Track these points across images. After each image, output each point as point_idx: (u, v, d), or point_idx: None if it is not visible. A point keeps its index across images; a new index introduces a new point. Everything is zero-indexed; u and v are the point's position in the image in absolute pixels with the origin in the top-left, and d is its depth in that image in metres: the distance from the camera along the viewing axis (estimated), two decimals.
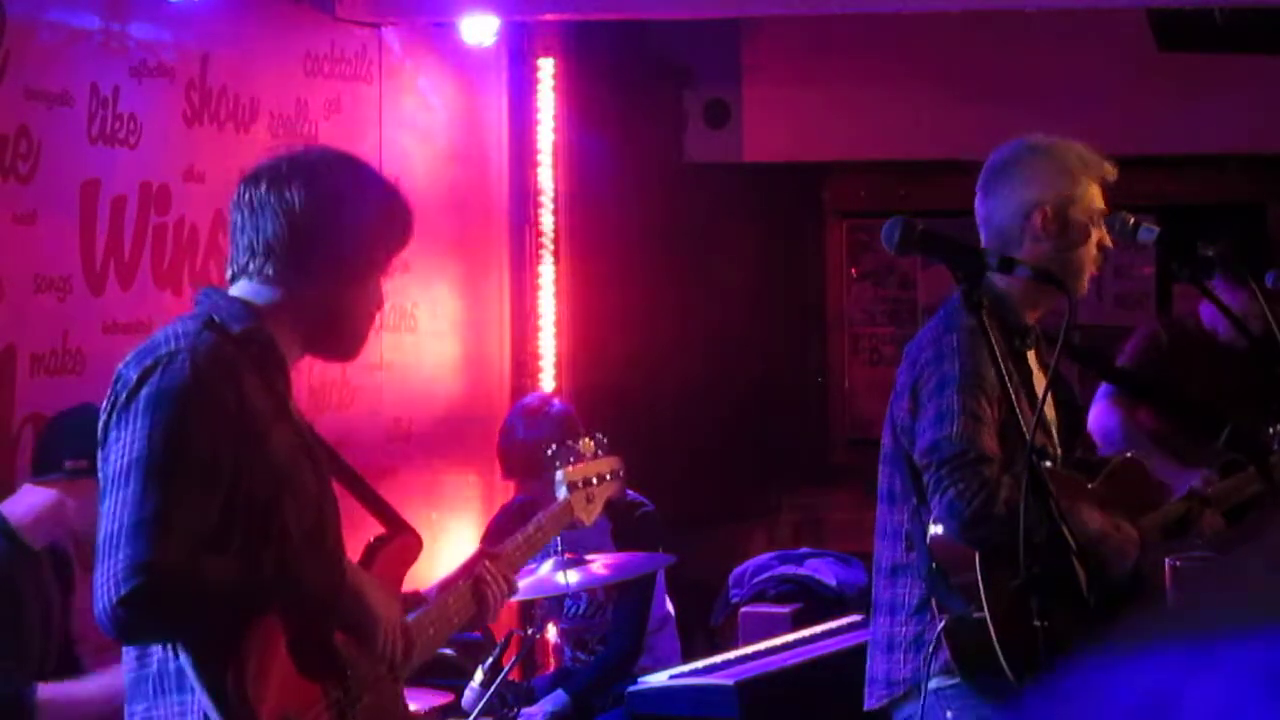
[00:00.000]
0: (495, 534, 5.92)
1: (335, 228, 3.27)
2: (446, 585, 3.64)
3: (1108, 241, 4.13)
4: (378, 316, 3.43)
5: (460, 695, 5.12)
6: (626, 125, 7.88)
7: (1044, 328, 4.14)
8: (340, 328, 3.35)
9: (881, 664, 4.08)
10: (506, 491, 7.30)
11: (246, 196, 3.28)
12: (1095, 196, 4.13)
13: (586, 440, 4.43)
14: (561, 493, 4.19)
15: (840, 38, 7.97)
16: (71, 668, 4.51)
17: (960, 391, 3.84)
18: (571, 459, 4.34)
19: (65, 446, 4.46)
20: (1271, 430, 4.51)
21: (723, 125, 8.23)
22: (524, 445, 5.96)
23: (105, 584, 3.01)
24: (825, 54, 8.10)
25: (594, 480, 4.22)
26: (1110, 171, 4.16)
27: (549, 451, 4.35)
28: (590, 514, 4.23)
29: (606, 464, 4.30)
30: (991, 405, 3.66)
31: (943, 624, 3.90)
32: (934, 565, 3.91)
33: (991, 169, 4.16)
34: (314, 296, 3.28)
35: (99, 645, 5.03)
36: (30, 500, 4.44)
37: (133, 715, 3.21)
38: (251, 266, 3.27)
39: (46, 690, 4.35)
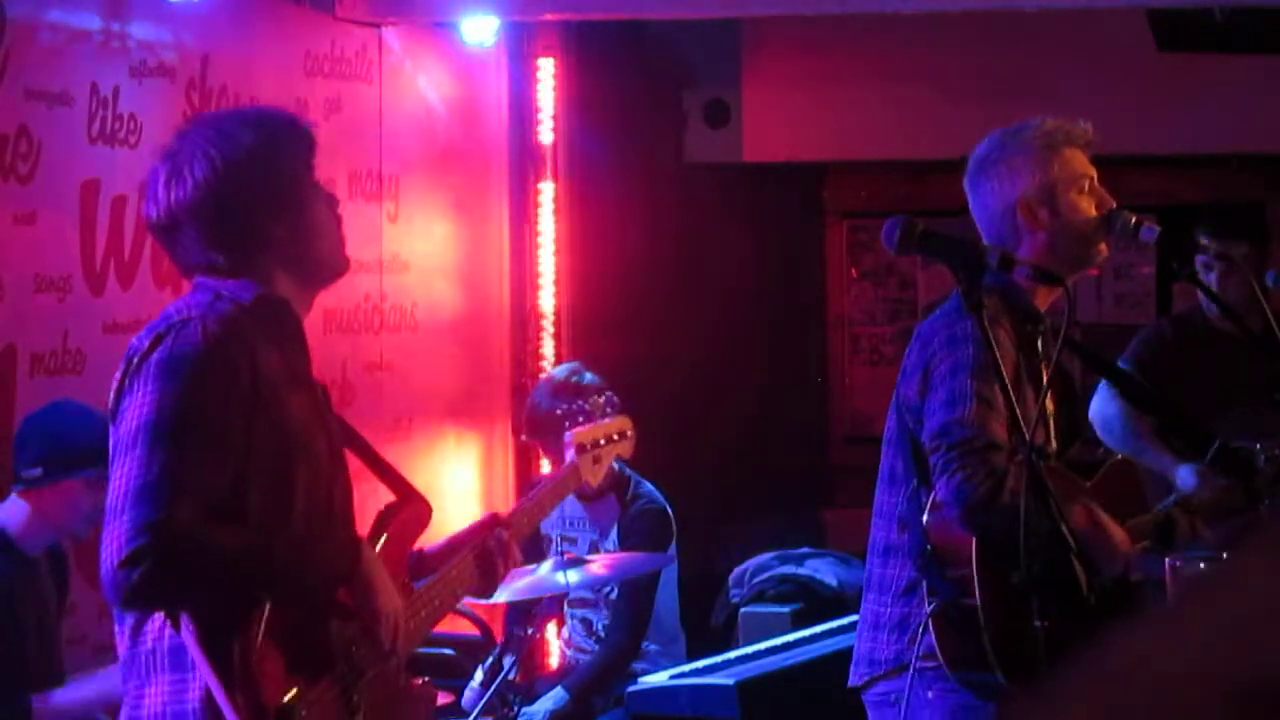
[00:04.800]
0: None
1: (250, 196, 3.25)
2: (453, 549, 3.59)
3: (1110, 202, 4.08)
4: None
5: (460, 695, 5.12)
6: (626, 125, 7.88)
7: (1050, 321, 4.12)
8: (318, 256, 3.34)
9: (866, 642, 4.06)
10: (506, 493, 7.31)
11: (163, 219, 3.25)
12: (1076, 163, 4.07)
13: (596, 399, 4.37)
14: (569, 455, 4.14)
15: (840, 38, 7.97)
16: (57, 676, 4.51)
17: (973, 376, 3.80)
18: (581, 419, 4.27)
19: (20, 456, 4.46)
20: (1258, 446, 4.47)
21: (723, 125, 8.22)
22: (548, 415, 6.00)
23: (109, 546, 2.97)
24: (825, 54, 8.09)
25: (602, 441, 4.17)
26: (1085, 131, 4.10)
27: (558, 411, 4.24)
28: (596, 475, 4.16)
29: (616, 425, 4.25)
30: (1003, 393, 3.65)
31: (932, 608, 3.88)
32: (929, 548, 3.89)
33: (971, 166, 4.13)
34: (280, 250, 3.27)
35: (98, 646, 5.03)
36: (17, 510, 4.45)
37: (126, 693, 3.20)
38: (221, 263, 3.25)
39: (38, 701, 4.35)
